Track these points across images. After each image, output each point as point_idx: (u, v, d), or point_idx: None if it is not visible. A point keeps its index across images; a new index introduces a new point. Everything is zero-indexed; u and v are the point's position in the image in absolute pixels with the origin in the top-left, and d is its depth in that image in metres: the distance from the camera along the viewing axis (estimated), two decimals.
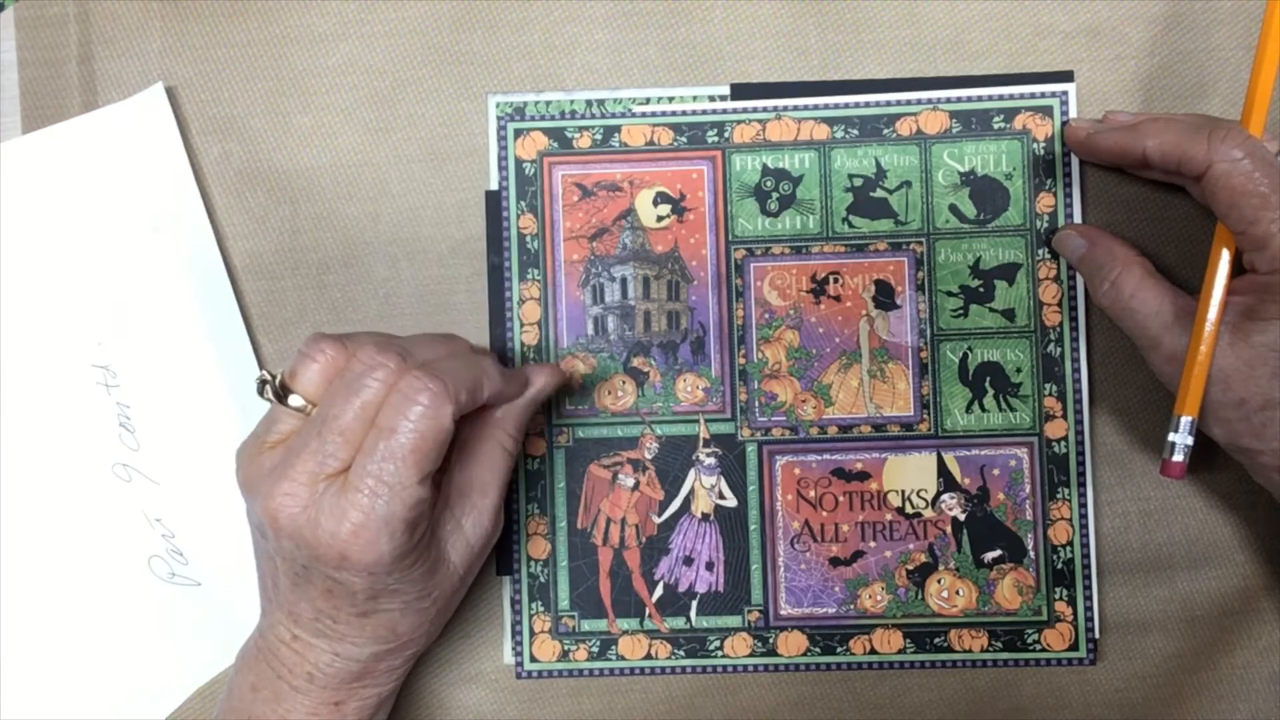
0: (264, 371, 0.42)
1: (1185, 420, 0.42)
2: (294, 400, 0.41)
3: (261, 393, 0.42)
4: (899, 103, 0.49)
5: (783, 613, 0.49)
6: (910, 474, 0.49)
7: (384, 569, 0.40)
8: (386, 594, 0.41)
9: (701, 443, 0.50)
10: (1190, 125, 0.42)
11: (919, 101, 0.49)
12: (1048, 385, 0.49)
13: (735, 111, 0.49)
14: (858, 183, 0.49)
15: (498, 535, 0.45)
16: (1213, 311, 0.42)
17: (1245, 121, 0.43)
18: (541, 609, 0.50)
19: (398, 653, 0.44)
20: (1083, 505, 0.49)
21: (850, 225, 0.49)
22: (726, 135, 0.49)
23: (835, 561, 0.49)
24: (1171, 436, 0.43)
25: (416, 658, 0.46)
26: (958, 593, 0.49)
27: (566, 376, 0.48)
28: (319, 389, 0.41)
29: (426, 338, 0.44)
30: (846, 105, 0.49)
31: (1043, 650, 0.49)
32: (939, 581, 0.49)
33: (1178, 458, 0.43)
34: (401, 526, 0.39)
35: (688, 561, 0.50)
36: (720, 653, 0.50)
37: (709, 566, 0.50)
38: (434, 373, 0.39)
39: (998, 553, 0.49)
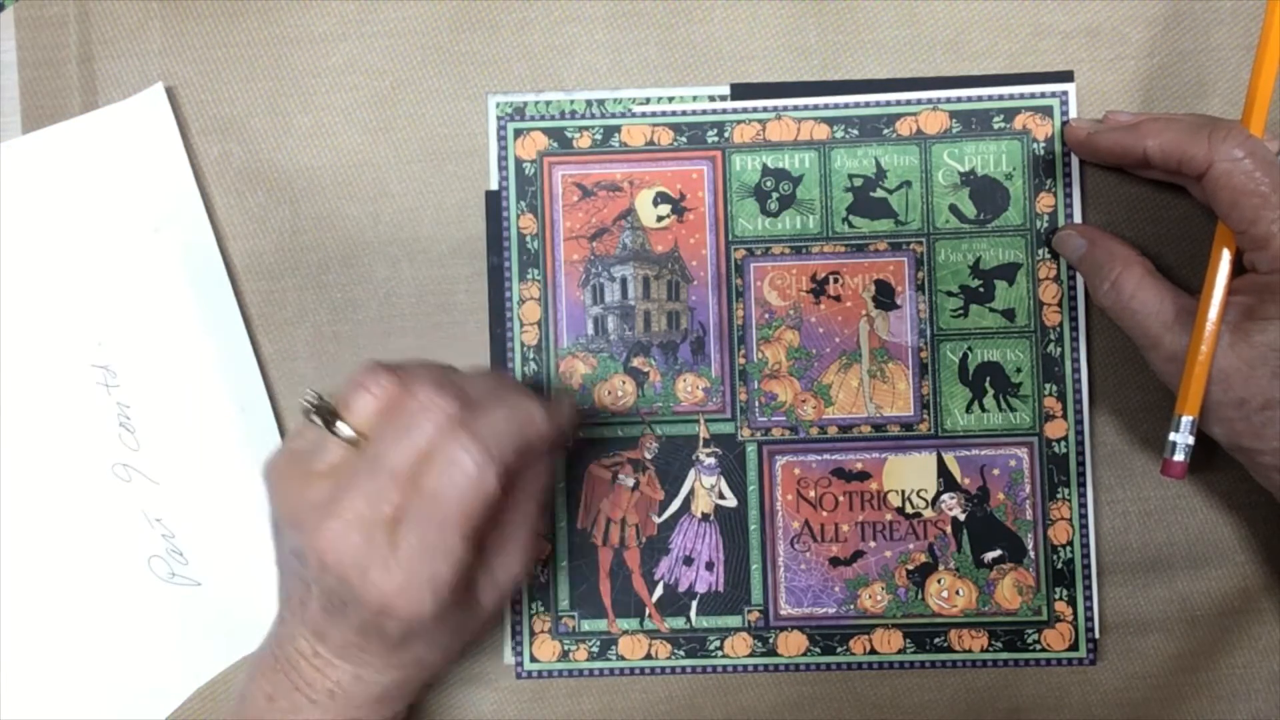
0: (309, 393, 0.41)
1: (1186, 420, 0.42)
2: (344, 430, 0.40)
3: (308, 417, 0.40)
4: (899, 103, 0.49)
5: (783, 613, 0.49)
6: (910, 474, 0.49)
7: (423, 622, 0.39)
8: (420, 636, 0.41)
9: (701, 443, 0.50)
10: (1191, 125, 0.42)
11: (919, 101, 0.49)
12: (1048, 385, 0.49)
13: (735, 111, 0.49)
14: (858, 183, 0.49)
15: (526, 578, 0.45)
16: (1213, 311, 0.42)
17: (1246, 121, 0.43)
18: (541, 609, 0.50)
19: (420, 678, 0.44)
20: (1083, 505, 0.49)
21: (850, 225, 0.49)
22: (726, 135, 0.49)
23: (835, 561, 0.49)
24: (1172, 436, 0.43)
25: (437, 679, 0.45)
26: (958, 593, 0.49)
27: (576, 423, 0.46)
28: (371, 423, 0.40)
29: (479, 375, 0.42)
30: (846, 105, 0.49)
31: (1043, 650, 0.49)
32: (939, 581, 0.49)
33: (1178, 457, 0.43)
34: (446, 587, 0.39)
35: (688, 561, 0.50)
36: (720, 653, 0.50)
37: (709, 566, 0.50)
38: (480, 438, 0.38)
39: (998, 553, 0.49)
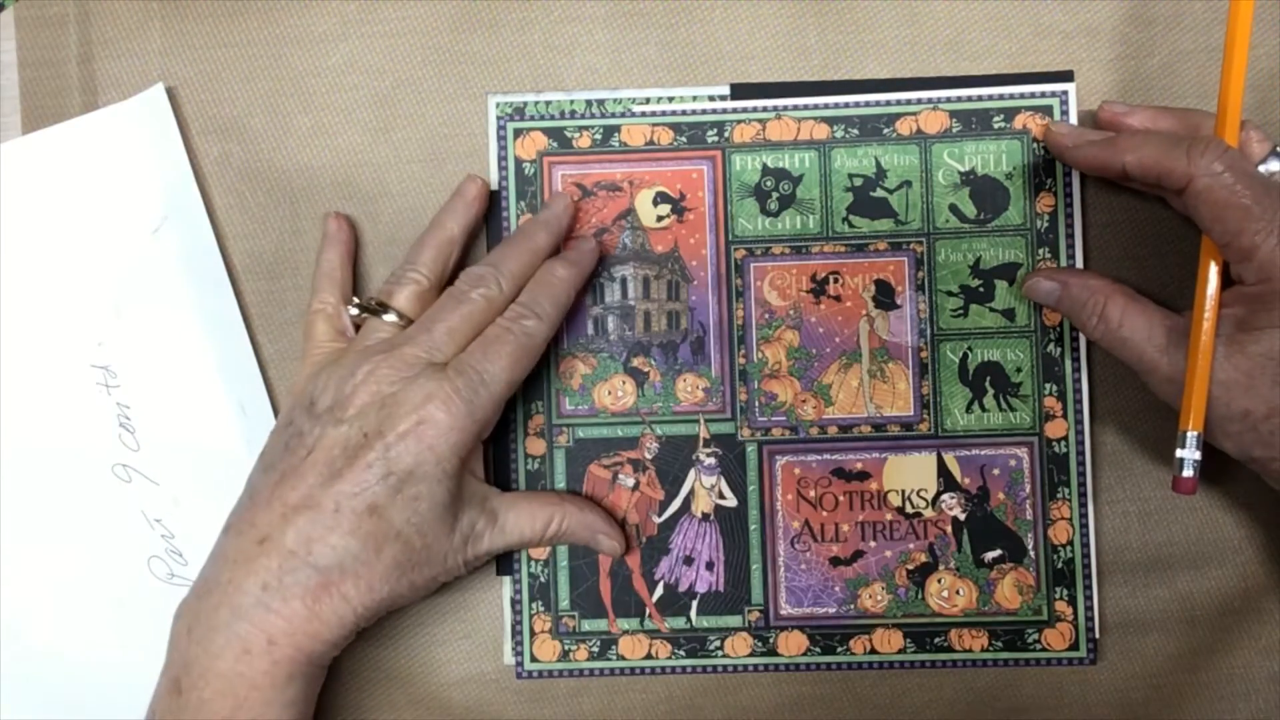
0: (356, 299, 0.48)
1: (1191, 435, 0.42)
2: (389, 316, 0.46)
3: (364, 308, 0.46)
4: (899, 102, 0.49)
5: (783, 612, 0.49)
6: (910, 474, 0.49)
7: (438, 456, 0.42)
8: (405, 503, 0.42)
9: (701, 443, 0.50)
10: (1168, 140, 0.42)
11: (919, 101, 0.49)
12: (1048, 385, 0.49)
13: (735, 111, 0.49)
14: (858, 182, 0.49)
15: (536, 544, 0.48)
16: (1206, 324, 0.42)
17: (1220, 131, 0.43)
18: (542, 609, 0.50)
19: (353, 587, 0.42)
20: (1083, 505, 0.49)
21: (850, 225, 0.49)
22: (726, 135, 0.49)
23: (835, 561, 0.49)
24: (1179, 453, 0.42)
25: (366, 622, 0.43)
26: (958, 592, 0.49)
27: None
28: (414, 306, 0.46)
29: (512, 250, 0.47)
30: (846, 105, 0.49)
31: (1043, 650, 0.49)
32: (939, 581, 0.49)
33: (1187, 473, 0.43)
34: (483, 414, 0.43)
35: (688, 561, 0.50)
36: (720, 652, 0.50)
37: (709, 566, 0.50)
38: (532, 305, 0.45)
39: (998, 552, 0.49)
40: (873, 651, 0.49)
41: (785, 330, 0.49)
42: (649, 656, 0.50)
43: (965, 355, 0.49)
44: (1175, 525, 0.49)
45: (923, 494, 0.49)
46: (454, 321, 0.44)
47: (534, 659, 0.50)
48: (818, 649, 0.49)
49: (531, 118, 0.50)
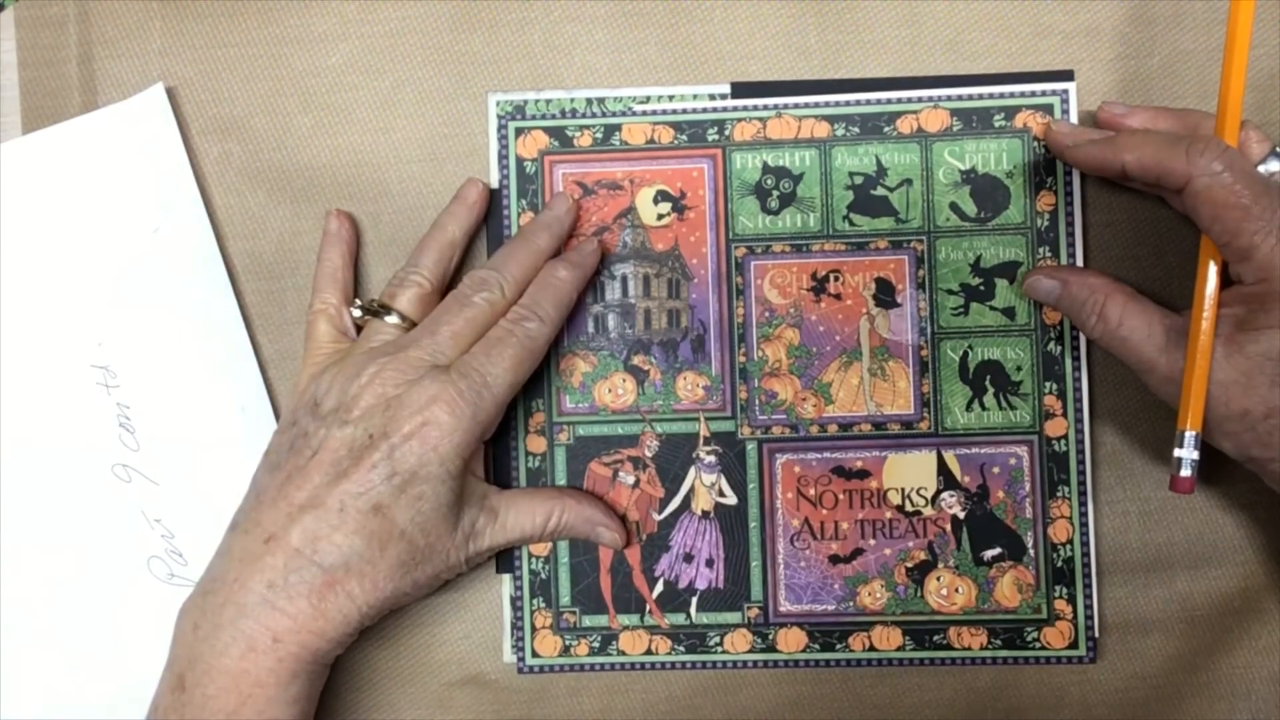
0: (359, 300, 0.48)
1: (1189, 435, 0.42)
2: (392, 319, 0.46)
3: (368, 310, 0.47)
4: (900, 100, 0.49)
5: (782, 609, 0.50)
6: (910, 472, 0.49)
7: (441, 457, 0.42)
8: (408, 503, 0.42)
9: (702, 441, 0.50)
10: (1168, 139, 0.42)
11: (920, 99, 0.49)
12: (1048, 384, 0.49)
13: (736, 110, 0.49)
14: (858, 180, 0.49)
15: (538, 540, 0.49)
16: (1205, 324, 0.42)
17: (1219, 131, 0.43)
18: (543, 605, 0.50)
19: (357, 585, 0.43)
20: (1083, 504, 0.49)
21: (851, 223, 0.49)
22: (727, 133, 0.49)
23: (835, 559, 0.49)
24: (1177, 452, 0.43)
25: (370, 620, 0.44)
26: (957, 590, 0.49)
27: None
28: (416, 308, 0.46)
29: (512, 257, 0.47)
30: (847, 103, 0.49)
31: (1042, 648, 0.49)
32: (938, 579, 0.49)
33: (1185, 473, 0.43)
34: (485, 415, 0.43)
35: (688, 558, 0.50)
36: (720, 649, 0.50)
37: (709, 563, 0.50)
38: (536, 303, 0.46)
39: (997, 551, 0.49)
40: (872, 649, 0.49)
41: (785, 328, 0.49)
42: (649, 652, 0.50)
43: (965, 354, 0.49)
44: (1175, 525, 0.49)
45: (922, 492, 0.49)
46: (457, 325, 0.45)
47: (535, 654, 0.50)
48: (817, 646, 0.49)
49: (532, 117, 0.50)
